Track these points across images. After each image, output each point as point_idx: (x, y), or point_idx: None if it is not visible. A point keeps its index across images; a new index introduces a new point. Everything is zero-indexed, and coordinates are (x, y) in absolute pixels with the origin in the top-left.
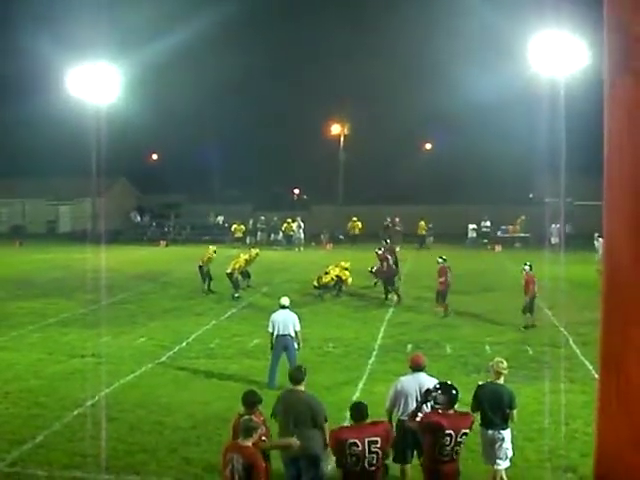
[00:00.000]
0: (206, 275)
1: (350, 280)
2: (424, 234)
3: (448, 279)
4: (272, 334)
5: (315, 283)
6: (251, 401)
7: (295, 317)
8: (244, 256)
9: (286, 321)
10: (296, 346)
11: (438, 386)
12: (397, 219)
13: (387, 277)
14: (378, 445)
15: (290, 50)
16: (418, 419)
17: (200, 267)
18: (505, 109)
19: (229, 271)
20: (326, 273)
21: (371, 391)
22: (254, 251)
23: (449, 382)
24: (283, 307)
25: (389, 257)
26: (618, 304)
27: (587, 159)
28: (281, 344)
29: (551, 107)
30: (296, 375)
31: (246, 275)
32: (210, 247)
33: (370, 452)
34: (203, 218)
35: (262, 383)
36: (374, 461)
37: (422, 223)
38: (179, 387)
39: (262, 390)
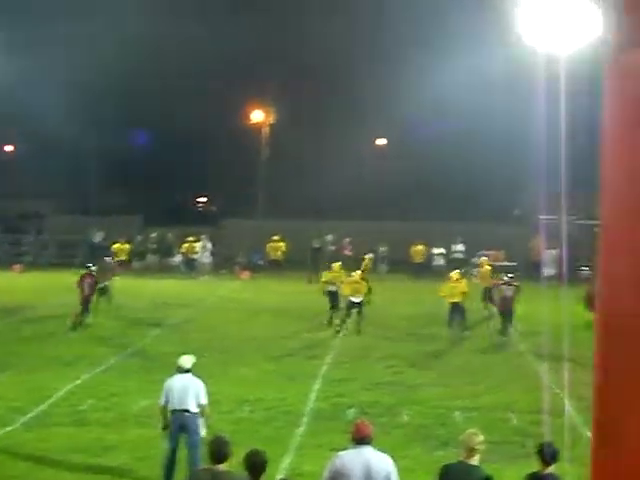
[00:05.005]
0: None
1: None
2: (421, 262)
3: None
4: (165, 407)
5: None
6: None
7: (200, 385)
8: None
9: (185, 391)
10: (201, 430)
11: None
12: (347, 240)
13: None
14: None
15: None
16: None
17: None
18: (482, 95)
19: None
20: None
21: (300, 471)
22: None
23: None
24: (183, 370)
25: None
26: (615, 356)
27: (595, 163)
28: (177, 423)
29: (548, 93)
30: (218, 449)
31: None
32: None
33: None
34: (75, 234)
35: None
36: None
37: (420, 247)
38: (37, 467)
39: None
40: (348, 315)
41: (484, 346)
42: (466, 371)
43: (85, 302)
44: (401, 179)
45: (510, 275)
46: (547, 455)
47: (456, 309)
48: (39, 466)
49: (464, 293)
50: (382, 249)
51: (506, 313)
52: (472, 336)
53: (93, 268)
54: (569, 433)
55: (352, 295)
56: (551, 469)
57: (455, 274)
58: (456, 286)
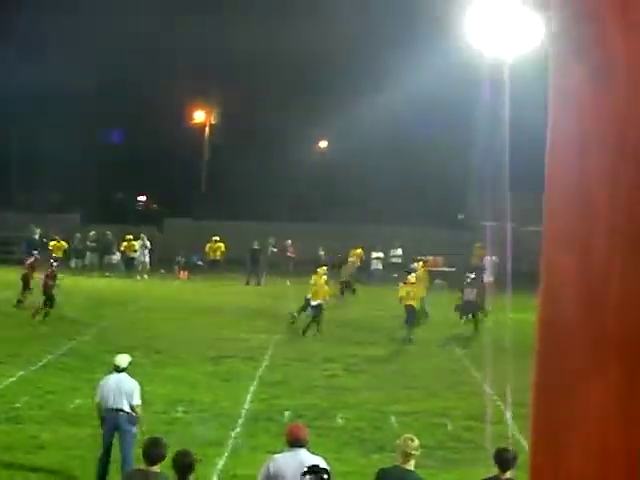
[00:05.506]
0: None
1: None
2: (359, 266)
3: None
4: (100, 406)
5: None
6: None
7: (134, 385)
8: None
9: (119, 390)
10: (133, 429)
11: (306, 469)
12: (289, 242)
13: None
14: None
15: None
16: None
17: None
18: (427, 100)
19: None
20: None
21: (234, 474)
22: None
23: (321, 465)
24: (118, 369)
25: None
26: (557, 363)
27: (539, 170)
28: (110, 423)
29: (493, 98)
30: (153, 450)
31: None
32: None
33: None
34: (10, 231)
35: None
36: None
37: (359, 251)
38: None
39: None
40: (303, 310)
41: (421, 351)
42: (402, 375)
43: (48, 294)
44: (342, 181)
45: (472, 276)
46: (502, 461)
47: (411, 312)
48: None
49: (421, 297)
50: (321, 252)
51: (473, 313)
52: (410, 341)
53: (55, 264)
54: (506, 440)
55: (312, 298)
56: (508, 475)
57: (412, 277)
58: (411, 290)
